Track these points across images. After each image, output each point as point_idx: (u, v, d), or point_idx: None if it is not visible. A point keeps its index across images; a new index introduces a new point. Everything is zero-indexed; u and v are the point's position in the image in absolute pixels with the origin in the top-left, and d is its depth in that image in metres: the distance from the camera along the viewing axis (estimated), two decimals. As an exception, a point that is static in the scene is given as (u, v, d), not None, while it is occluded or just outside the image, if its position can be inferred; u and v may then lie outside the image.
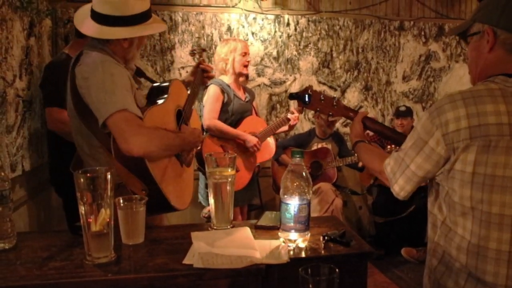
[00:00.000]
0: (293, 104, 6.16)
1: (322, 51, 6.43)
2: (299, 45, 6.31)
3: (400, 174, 1.96)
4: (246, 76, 4.60)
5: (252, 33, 6.14)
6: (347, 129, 6.55)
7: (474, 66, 2.00)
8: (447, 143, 1.78)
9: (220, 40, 5.98)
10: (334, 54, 6.47)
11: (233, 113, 4.46)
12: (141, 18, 2.55)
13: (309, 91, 2.46)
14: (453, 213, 1.86)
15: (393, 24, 6.65)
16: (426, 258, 2.07)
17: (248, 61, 4.53)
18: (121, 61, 2.61)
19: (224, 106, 4.42)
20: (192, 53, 3.92)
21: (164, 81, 3.00)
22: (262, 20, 6.18)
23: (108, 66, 2.39)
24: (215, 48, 5.87)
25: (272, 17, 6.21)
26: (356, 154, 2.42)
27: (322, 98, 2.46)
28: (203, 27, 5.99)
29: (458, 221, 1.84)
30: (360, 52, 6.56)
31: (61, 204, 4.17)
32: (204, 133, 4.47)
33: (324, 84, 6.45)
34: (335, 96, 2.53)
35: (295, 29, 6.31)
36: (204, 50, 4.31)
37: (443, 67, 6.86)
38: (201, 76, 3.17)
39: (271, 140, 4.79)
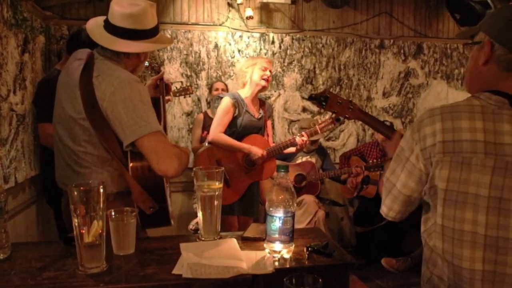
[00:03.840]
0: (298, 128, 6.20)
1: (306, 68, 6.48)
2: (284, 62, 6.36)
3: (386, 194, 1.91)
4: (263, 88, 4.44)
5: (239, 51, 6.18)
6: (330, 143, 6.61)
7: (469, 74, 1.91)
8: (425, 157, 1.73)
9: (207, 56, 6.04)
10: (317, 71, 6.52)
11: (242, 128, 4.37)
12: (155, 31, 2.53)
13: (327, 93, 2.44)
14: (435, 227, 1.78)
15: (374, 42, 6.71)
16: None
17: (268, 76, 4.37)
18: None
19: (233, 120, 4.34)
20: (152, 69, 3.97)
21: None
22: (248, 38, 6.24)
23: (135, 84, 2.32)
24: (202, 64, 5.94)
25: (258, 35, 6.27)
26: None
27: (339, 101, 2.44)
28: (191, 45, 6.03)
29: (438, 243, 1.76)
30: (342, 69, 6.61)
31: (52, 215, 4.16)
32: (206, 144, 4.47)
33: (307, 100, 6.48)
34: (351, 99, 2.52)
35: (280, 47, 6.36)
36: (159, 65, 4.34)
37: (421, 84, 6.93)
38: (163, 91, 3.10)
39: (273, 162, 4.61)
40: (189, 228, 5.55)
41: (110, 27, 2.45)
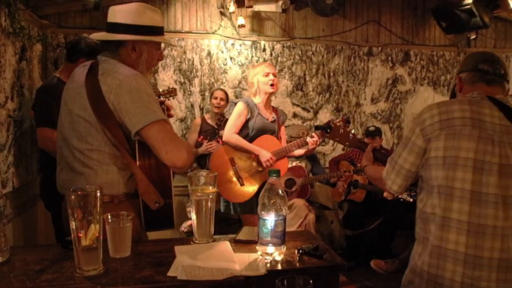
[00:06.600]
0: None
1: (296, 74, 6.51)
2: (275, 69, 6.35)
3: (391, 170, 2.32)
4: (273, 92, 4.52)
5: (231, 58, 6.20)
6: (320, 148, 6.63)
7: None
8: (424, 135, 2.15)
9: (200, 64, 6.06)
10: (307, 78, 6.55)
11: (254, 130, 4.45)
12: (154, 30, 2.49)
13: (331, 123, 2.83)
14: (429, 196, 2.16)
15: (362, 49, 6.75)
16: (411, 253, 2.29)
17: (273, 80, 4.44)
18: None
19: (246, 122, 4.45)
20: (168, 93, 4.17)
21: None
22: (240, 45, 6.26)
23: (139, 78, 2.30)
24: (196, 71, 5.96)
25: (249, 43, 6.30)
26: (364, 173, 2.89)
27: (341, 131, 2.87)
28: (185, 52, 6.05)
29: (433, 203, 2.12)
30: (332, 76, 6.64)
31: (49, 219, 4.15)
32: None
33: (297, 106, 6.52)
34: (350, 130, 2.86)
35: (271, 54, 6.39)
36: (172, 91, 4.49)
37: (408, 90, 6.97)
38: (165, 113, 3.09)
39: (285, 161, 4.63)
40: (181, 230, 5.56)
41: (108, 26, 2.46)
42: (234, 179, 4.42)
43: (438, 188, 2.10)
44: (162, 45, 2.82)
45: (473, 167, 2.01)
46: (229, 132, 4.43)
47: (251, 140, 4.46)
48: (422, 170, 2.20)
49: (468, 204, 2.01)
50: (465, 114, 2.09)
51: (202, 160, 5.60)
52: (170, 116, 3.01)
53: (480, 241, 1.99)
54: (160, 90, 5.10)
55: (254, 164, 4.49)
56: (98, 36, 2.51)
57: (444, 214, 2.06)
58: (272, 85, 4.44)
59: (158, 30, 2.53)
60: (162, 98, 3.14)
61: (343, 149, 6.51)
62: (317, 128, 2.92)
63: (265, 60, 6.32)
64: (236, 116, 4.45)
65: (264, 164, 4.40)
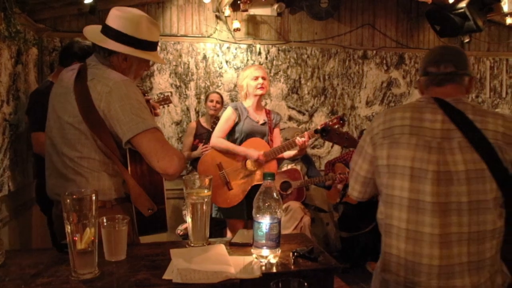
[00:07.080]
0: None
1: (291, 78, 6.51)
2: (270, 72, 6.39)
3: (351, 177, 2.39)
4: (261, 95, 4.51)
5: (226, 62, 6.21)
6: (315, 151, 6.64)
7: None
8: (372, 143, 2.21)
9: (196, 67, 6.06)
10: (303, 81, 6.56)
11: (243, 133, 4.46)
12: (148, 44, 2.45)
13: (328, 127, 3.04)
14: (380, 203, 2.22)
15: (357, 53, 6.76)
16: None
17: (262, 83, 4.44)
18: None
19: (235, 126, 4.48)
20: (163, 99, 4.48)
21: None
22: (236, 49, 6.27)
23: (129, 84, 2.26)
24: (191, 75, 5.95)
25: (245, 46, 6.31)
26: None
27: (337, 133, 3.08)
28: (180, 56, 6.05)
29: (381, 209, 2.20)
30: (327, 79, 6.65)
31: (45, 222, 4.13)
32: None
33: (293, 109, 6.52)
34: (347, 131, 2.99)
35: (266, 58, 6.39)
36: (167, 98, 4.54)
37: (403, 93, 6.98)
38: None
39: (274, 163, 4.57)
40: (177, 233, 5.56)
41: (104, 28, 2.42)
42: (222, 184, 4.42)
43: (383, 196, 2.17)
44: (158, 48, 2.79)
45: (410, 175, 2.04)
46: (216, 137, 4.47)
47: (240, 143, 4.46)
48: (376, 176, 2.23)
49: (406, 212, 2.05)
50: (405, 122, 2.11)
51: (197, 163, 5.59)
52: (156, 115, 3.01)
53: (418, 248, 2.02)
54: (154, 99, 5.09)
55: (242, 168, 4.48)
56: (91, 34, 2.46)
57: (386, 221, 2.14)
58: (260, 88, 4.46)
59: (152, 46, 2.52)
60: (147, 96, 3.09)
61: (341, 152, 6.56)
62: (316, 132, 3.16)
63: (260, 64, 6.32)
64: (224, 121, 4.49)
65: (257, 163, 4.42)
